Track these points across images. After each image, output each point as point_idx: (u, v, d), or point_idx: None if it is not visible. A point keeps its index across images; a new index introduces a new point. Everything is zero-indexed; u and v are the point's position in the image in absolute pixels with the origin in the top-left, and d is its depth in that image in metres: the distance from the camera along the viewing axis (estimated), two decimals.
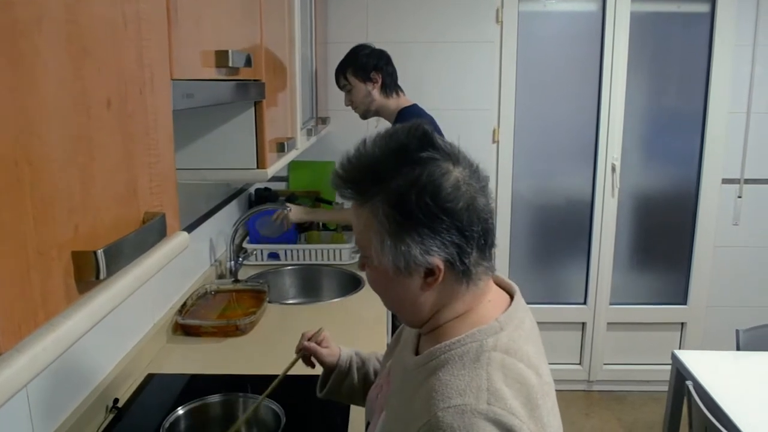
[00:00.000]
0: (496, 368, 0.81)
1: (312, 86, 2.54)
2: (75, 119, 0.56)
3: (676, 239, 3.50)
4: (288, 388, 1.31)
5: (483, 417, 0.76)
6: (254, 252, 2.73)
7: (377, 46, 2.50)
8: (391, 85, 2.48)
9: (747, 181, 3.36)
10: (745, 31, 3.20)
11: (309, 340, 1.29)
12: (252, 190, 3.12)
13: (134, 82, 0.69)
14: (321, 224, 3.00)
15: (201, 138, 1.50)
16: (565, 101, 3.35)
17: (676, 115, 3.38)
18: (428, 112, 2.47)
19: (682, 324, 3.55)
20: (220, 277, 2.51)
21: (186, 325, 2.00)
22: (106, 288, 0.60)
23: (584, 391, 3.62)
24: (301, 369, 1.29)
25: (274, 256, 2.75)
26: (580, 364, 3.61)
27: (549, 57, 3.31)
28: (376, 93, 2.46)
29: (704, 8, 3.22)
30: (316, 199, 3.09)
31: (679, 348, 3.53)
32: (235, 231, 2.50)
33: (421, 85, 3.07)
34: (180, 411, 1.48)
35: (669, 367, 2.30)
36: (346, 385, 1.26)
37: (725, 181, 3.36)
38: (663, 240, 3.52)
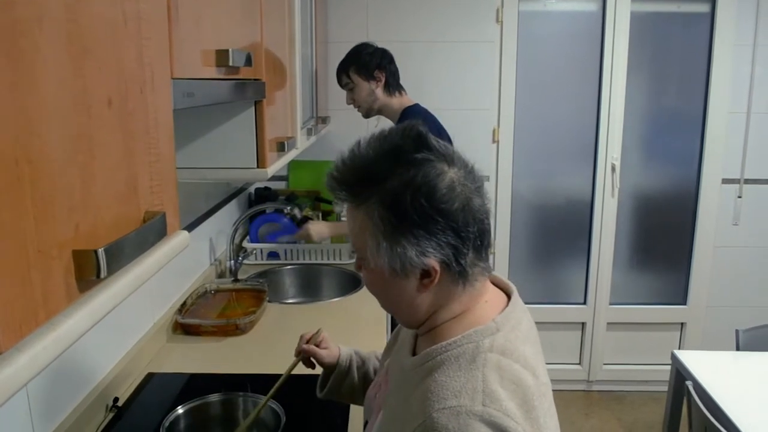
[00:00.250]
0: (492, 369, 0.81)
1: (312, 86, 2.54)
2: (75, 118, 0.56)
3: (676, 239, 3.50)
4: (288, 388, 1.30)
5: (478, 418, 0.76)
6: (254, 251, 2.73)
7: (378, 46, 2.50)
8: (393, 84, 2.47)
9: (747, 181, 3.37)
10: (745, 31, 3.20)
11: (308, 341, 1.28)
12: (252, 189, 3.12)
13: (135, 81, 0.69)
14: None
15: (201, 137, 1.50)
16: (565, 101, 3.35)
17: (676, 114, 3.38)
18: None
19: (682, 324, 3.55)
20: (220, 276, 2.51)
21: (186, 325, 2.00)
22: (106, 287, 0.60)
23: (584, 391, 3.62)
24: (301, 369, 1.29)
25: (274, 255, 2.75)
26: (579, 364, 3.61)
27: (549, 57, 3.31)
28: (379, 92, 2.45)
29: (704, 8, 3.22)
30: (315, 199, 3.09)
31: (679, 348, 3.53)
32: (235, 230, 2.50)
33: (421, 85, 3.07)
34: (180, 410, 1.48)
35: (669, 367, 2.30)
36: (347, 384, 1.26)
37: (725, 181, 3.36)
38: (663, 240, 3.52)
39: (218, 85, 1.11)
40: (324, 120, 2.84)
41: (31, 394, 1.24)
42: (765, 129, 3.31)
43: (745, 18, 3.18)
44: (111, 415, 1.52)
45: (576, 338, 3.59)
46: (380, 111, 2.50)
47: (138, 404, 1.60)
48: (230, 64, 1.10)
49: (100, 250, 0.56)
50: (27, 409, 1.23)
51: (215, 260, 2.52)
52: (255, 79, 1.41)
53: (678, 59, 3.30)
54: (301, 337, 1.30)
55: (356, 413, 1.49)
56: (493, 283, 0.97)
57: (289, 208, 2.63)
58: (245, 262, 2.64)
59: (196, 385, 1.68)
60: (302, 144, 2.13)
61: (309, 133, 2.34)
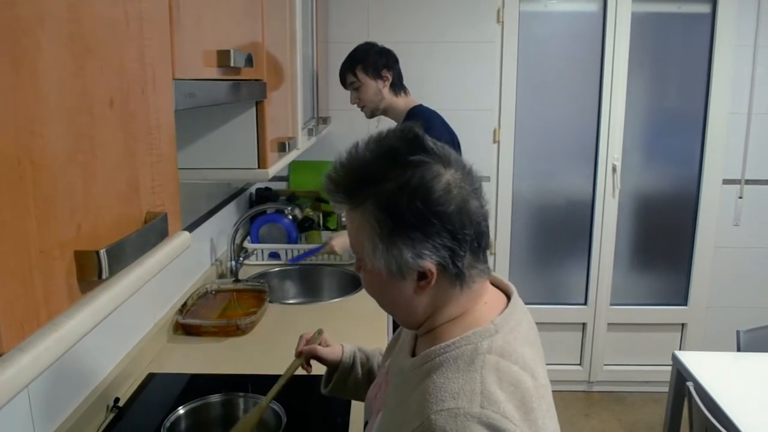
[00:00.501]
0: (491, 371, 0.81)
1: (313, 86, 2.53)
2: (77, 118, 0.56)
3: (676, 240, 3.50)
4: (289, 388, 1.30)
5: (476, 420, 0.76)
6: (255, 252, 2.73)
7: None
8: (399, 85, 2.46)
9: (748, 182, 3.36)
10: (745, 31, 3.20)
11: (307, 342, 1.28)
12: (253, 189, 3.12)
13: (136, 82, 0.69)
14: (322, 224, 3.00)
15: (202, 137, 1.50)
16: (565, 101, 3.35)
17: (676, 115, 3.38)
18: None
19: (683, 325, 3.55)
20: (221, 276, 2.51)
21: (187, 325, 2.00)
22: (108, 287, 0.60)
23: (584, 391, 3.62)
24: (301, 370, 1.29)
25: (274, 255, 2.75)
26: (580, 364, 3.61)
27: (550, 57, 3.31)
28: (386, 91, 2.42)
29: (705, 9, 3.23)
30: (316, 199, 3.09)
31: (680, 349, 3.53)
32: (236, 231, 2.50)
33: (421, 85, 3.07)
34: (181, 410, 1.48)
35: (669, 368, 2.30)
36: (351, 380, 1.26)
37: (726, 181, 3.36)
38: (663, 241, 3.52)
39: (219, 86, 1.11)
40: (325, 120, 2.84)
41: (32, 394, 1.24)
42: (766, 129, 3.31)
43: (746, 18, 3.18)
44: (112, 415, 1.52)
45: (576, 339, 3.59)
46: (385, 111, 2.48)
47: (139, 404, 1.60)
48: (231, 64, 1.10)
49: (101, 250, 0.56)
50: (28, 409, 1.23)
51: (216, 260, 2.52)
52: (256, 80, 1.41)
53: (679, 60, 3.30)
54: (301, 337, 1.30)
55: (357, 414, 1.49)
56: (493, 284, 0.97)
57: (289, 208, 2.62)
58: (246, 262, 2.64)
59: (196, 385, 1.68)
60: (303, 144, 2.13)
61: (310, 133, 2.34)
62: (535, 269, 3.57)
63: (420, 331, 0.95)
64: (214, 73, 1.08)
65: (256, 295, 2.28)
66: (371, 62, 2.40)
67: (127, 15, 0.66)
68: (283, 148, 1.67)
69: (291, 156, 1.86)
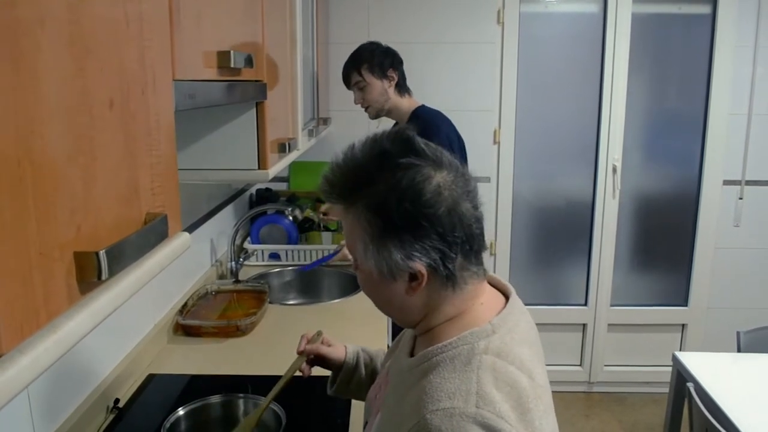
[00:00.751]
0: (487, 371, 0.81)
1: (313, 87, 2.53)
2: (77, 119, 0.56)
3: (676, 241, 3.50)
4: (289, 389, 1.30)
5: (471, 420, 0.76)
6: (255, 252, 2.73)
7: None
8: (403, 85, 2.44)
9: (748, 183, 3.36)
10: (746, 32, 3.20)
11: (309, 342, 1.28)
12: (253, 190, 3.12)
13: (136, 83, 0.69)
14: (322, 225, 3.00)
15: (202, 138, 1.50)
16: (566, 102, 3.35)
17: (677, 116, 3.38)
18: None
19: (683, 325, 3.55)
20: (221, 277, 2.51)
21: (187, 326, 2.00)
22: (107, 289, 0.60)
23: (585, 392, 3.62)
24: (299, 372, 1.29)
25: (274, 256, 2.75)
26: (580, 365, 3.61)
27: (550, 58, 3.31)
28: (391, 91, 2.40)
29: (705, 9, 3.23)
30: (316, 200, 3.08)
31: (680, 349, 3.53)
32: (236, 231, 2.50)
33: (422, 86, 3.06)
34: (181, 411, 1.47)
35: (670, 369, 2.30)
36: (355, 381, 1.26)
37: (726, 182, 3.36)
38: (664, 241, 3.52)
39: (219, 87, 1.12)
40: (325, 121, 2.84)
41: (32, 395, 1.24)
42: (766, 130, 3.31)
43: (746, 19, 3.18)
44: (112, 416, 1.52)
45: (577, 339, 3.59)
46: (389, 112, 2.45)
47: (139, 405, 1.60)
48: (231, 65, 1.10)
49: (101, 251, 0.56)
50: (28, 409, 1.23)
51: (216, 261, 2.52)
52: (256, 81, 1.41)
53: (679, 60, 3.30)
54: (302, 337, 1.30)
55: (357, 414, 1.49)
56: (492, 285, 0.97)
57: (290, 209, 2.62)
58: (246, 263, 2.64)
59: (196, 386, 1.68)
60: (303, 145, 2.13)
61: (310, 134, 2.34)
62: (536, 270, 3.57)
63: (418, 331, 0.95)
64: (214, 74, 1.08)
65: (257, 295, 2.28)
66: (377, 61, 2.38)
67: (127, 16, 0.66)
68: (283, 149, 1.67)
69: (291, 157, 1.86)
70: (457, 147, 2.36)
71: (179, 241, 0.78)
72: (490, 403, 0.78)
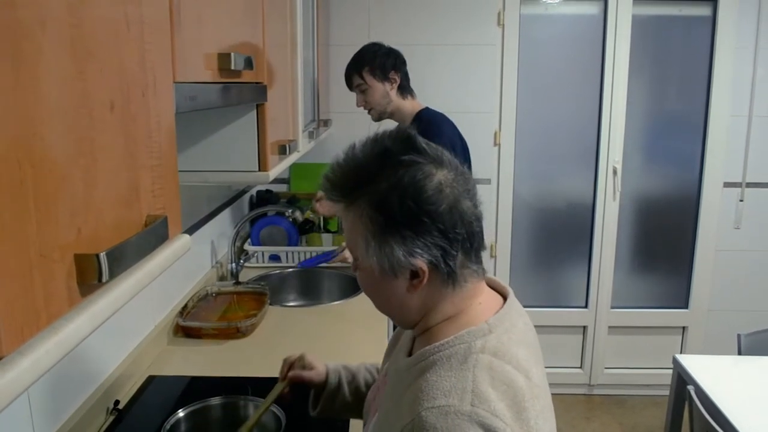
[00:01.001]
0: (483, 370, 0.82)
1: (314, 89, 2.53)
2: (77, 121, 0.56)
3: (677, 243, 3.50)
4: (290, 391, 1.30)
5: (466, 418, 0.77)
6: (255, 254, 2.73)
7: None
8: (407, 87, 2.41)
9: (749, 185, 3.36)
10: (746, 33, 3.20)
11: (292, 364, 1.28)
12: (253, 192, 3.12)
13: (137, 85, 0.69)
14: (322, 227, 3.00)
15: (203, 140, 1.50)
16: (566, 104, 3.35)
17: (677, 118, 3.38)
18: None
19: (684, 328, 3.55)
20: (222, 279, 2.51)
21: (187, 327, 2.00)
22: (108, 291, 0.60)
23: (585, 394, 3.62)
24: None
25: (275, 258, 2.75)
26: (581, 367, 3.61)
27: (550, 60, 3.31)
28: (393, 94, 2.37)
29: (706, 11, 3.23)
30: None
31: (681, 352, 3.52)
32: (237, 233, 2.50)
33: (422, 88, 3.05)
34: (180, 413, 1.47)
35: (670, 371, 2.29)
36: (339, 401, 1.26)
37: (727, 184, 3.36)
38: (664, 243, 3.52)
39: (220, 89, 1.12)
40: (326, 123, 2.84)
41: (32, 396, 1.24)
42: (766, 132, 3.31)
43: (747, 21, 3.18)
44: (112, 417, 1.52)
45: (577, 342, 3.59)
46: (392, 114, 2.42)
47: (139, 407, 1.60)
48: (232, 67, 1.10)
49: (101, 254, 0.56)
50: (28, 411, 1.23)
51: (216, 263, 2.52)
52: (257, 83, 1.41)
53: (679, 62, 3.31)
54: (284, 360, 1.30)
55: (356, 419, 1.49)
56: (490, 286, 0.98)
57: (290, 211, 2.62)
58: (246, 264, 2.64)
59: (196, 388, 1.68)
60: (304, 147, 2.13)
61: (310, 136, 2.34)
62: (536, 272, 3.56)
63: (416, 331, 0.96)
64: (214, 76, 1.08)
65: (257, 297, 2.28)
66: (379, 64, 2.35)
67: (127, 18, 0.66)
68: (283, 150, 1.67)
69: (291, 158, 1.86)
70: (460, 150, 2.35)
71: (180, 243, 0.78)
72: (485, 401, 0.78)
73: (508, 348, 0.86)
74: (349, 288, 2.54)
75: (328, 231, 2.99)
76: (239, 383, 1.65)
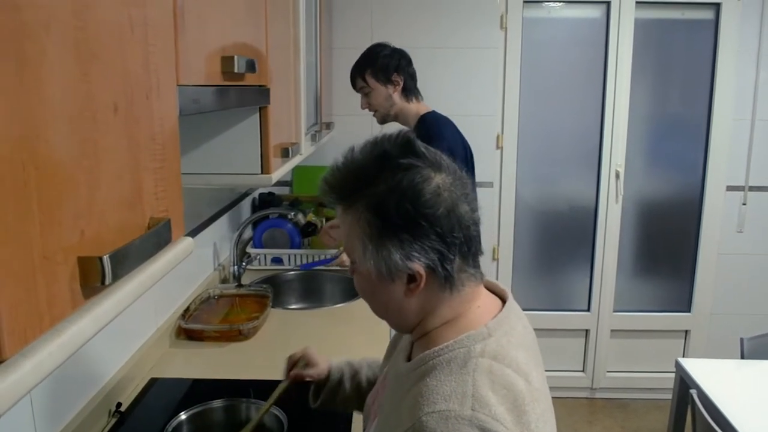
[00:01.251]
0: (483, 374, 0.81)
1: (316, 91, 2.53)
2: (81, 123, 0.56)
3: (680, 246, 3.49)
4: (290, 392, 1.30)
5: (467, 423, 0.76)
6: (258, 257, 2.73)
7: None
8: (412, 89, 2.37)
9: (751, 189, 3.36)
10: (749, 37, 3.20)
11: (296, 363, 1.29)
12: (256, 195, 3.12)
13: (140, 87, 0.69)
14: None
15: (206, 143, 1.51)
16: (569, 107, 3.35)
17: (680, 121, 3.38)
18: None
19: (686, 332, 3.54)
20: (224, 281, 2.51)
21: (189, 330, 2.00)
22: (111, 293, 0.60)
23: (587, 398, 3.61)
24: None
25: (277, 261, 2.75)
26: (583, 371, 3.60)
27: (553, 63, 3.31)
28: (396, 96, 2.34)
29: (708, 15, 3.23)
30: (319, 204, 3.09)
31: (683, 356, 3.52)
32: (239, 236, 2.50)
33: (425, 91, 3.05)
34: (182, 416, 1.48)
35: (673, 375, 2.29)
36: (340, 396, 1.27)
37: (729, 188, 3.36)
38: (667, 247, 3.51)
39: (223, 92, 1.12)
40: (328, 126, 2.84)
41: (34, 398, 1.24)
42: None
43: (749, 25, 3.18)
44: (114, 420, 1.52)
45: (580, 345, 3.58)
46: (396, 117, 2.39)
47: (141, 409, 1.60)
48: (235, 70, 1.10)
49: (105, 256, 0.56)
50: (30, 413, 1.23)
51: (219, 265, 2.52)
52: (259, 86, 1.41)
53: (682, 66, 3.31)
54: (288, 359, 1.31)
55: (358, 419, 1.49)
56: (489, 289, 0.97)
57: (292, 213, 2.62)
58: (249, 267, 2.64)
59: (198, 390, 1.68)
60: (306, 150, 2.13)
61: (313, 138, 2.34)
62: (538, 275, 3.56)
63: (414, 335, 0.95)
64: (217, 79, 1.08)
65: (259, 300, 2.28)
66: (381, 66, 2.31)
67: (131, 21, 0.66)
68: (286, 153, 1.68)
69: (294, 161, 1.87)
70: (462, 156, 2.31)
71: (182, 245, 0.78)
72: (485, 405, 0.78)
73: (507, 351, 0.86)
74: (351, 291, 2.53)
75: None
76: (241, 386, 1.65)
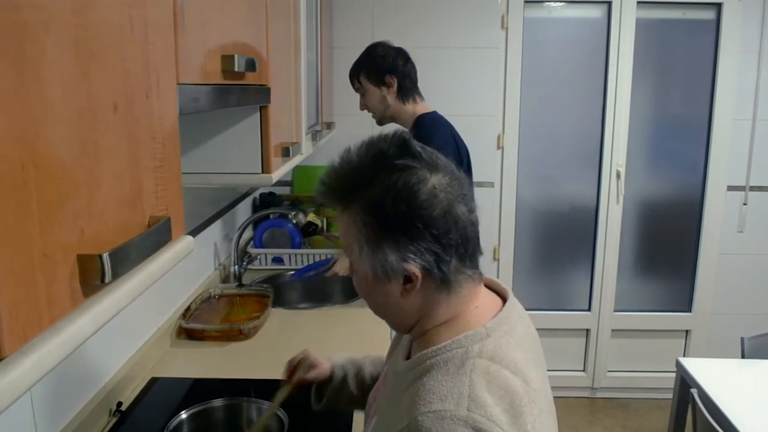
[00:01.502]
0: (480, 375, 0.81)
1: (317, 91, 2.53)
2: (81, 122, 0.56)
3: (680, 246, 3.49)
4: (292, 395, 1.30)
5: (462, 423, 0.76)
6: (258, 256, 2.73)
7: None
8: (409, 89, 2.31)
9: (752, 189, 3.36)
10: (750, 37, 3.20)
11: (295, 367, 1.29)
12: (256, 194, 3.12)
13: (140, 86, 0.69)
14: (325, 229, 3.00)
15: (206, 142, 1.51)
16: (570, 107, 3.35)
17: (681, 121, 3.38)
18: None
19: (687, 331, 3.54)
20: (225, 281, 2.51)
21: (190, 329, 2.00)
22: (111, 292, 0.60)
23: (588, 398, 3.61)
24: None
25: (278, 260, 2.75)
26: (584, 370, 3.60)
27: (554, 63, 3.31)
28: (391, 98, 2.28)
29: (710, 15, 3.22)
30: (320, 204, 3.08)
31: (684, 355, 3.51)
32: (240, 235, 2.50)
33: (425, 91, 3.05)
34: (183, 415, 1.48)
35: (673, 375, 2.29)
36: (344, 396, 1.27)
37: (730, 188, 3.36)
38: (668, 247, 3.51)
39: (223, 91, 1.12)
40: (329, 125, 2.84)
41: (34, 397, 1.24)
42: None
43: (751, 25, 3.18)
44: (114, 419, 1.52)
45: (580, 345, 3.58)
46: (393, 118, 2.35)
47: (141, 409, 1.60)
48: (235, 69, 1.10)
49: (104, 254, 0.56)
50: (30, 412, 1.23)
51: (219, 265, 2.52)
52: (260, 85, 1.41)
53: (683, 66, 3.30)
54: (289, 362, 1.31)
55: (359, 419, 1.49)
56: (489, 287, 0.97)
57: (293, 213, 2.63)
58: (250, 267, 2.64)
59: (199, 390, 1.68)
60: (307, 149, 2.13)
61: (314, 138, 2.34)
62: (539, 275, 3.56)
63: (413, 334, 0.95)
64: (218, 78, 1.08)
65: (260, 299, 2.28)
66: (373, 67, 2.28)
67: (131, 20, 0.66)
68: (286, 153, 1.68)
69: (295, 161, 1.87)
70: (453, 157, 2.28)
71: (182, 244, 0.78)
72: (481, 406, 0.78)
73: (505, 352, 0.85)
74: (352, 291, 2.51)
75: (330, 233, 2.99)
76: (242, 385, 1.65)
